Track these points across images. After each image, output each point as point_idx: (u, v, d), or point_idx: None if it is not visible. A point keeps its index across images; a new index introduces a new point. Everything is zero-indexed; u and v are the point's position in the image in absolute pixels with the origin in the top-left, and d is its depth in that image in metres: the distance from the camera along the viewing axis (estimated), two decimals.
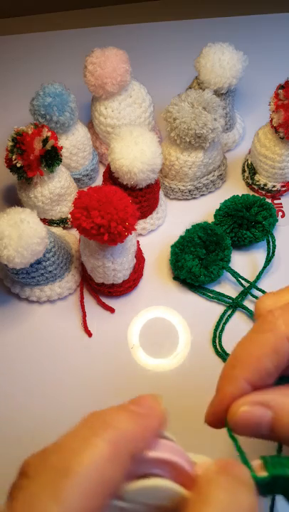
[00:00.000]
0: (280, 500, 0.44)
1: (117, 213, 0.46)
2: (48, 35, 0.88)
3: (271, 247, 0.60)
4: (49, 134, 0.53)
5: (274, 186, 0.65)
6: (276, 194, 0.66)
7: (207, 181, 0.65)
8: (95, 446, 0.20)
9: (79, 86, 0.64)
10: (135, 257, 0.57)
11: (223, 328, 0.57)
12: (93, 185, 0.53)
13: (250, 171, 0.66)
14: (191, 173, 0.62)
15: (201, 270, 0.57)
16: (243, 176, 0.68)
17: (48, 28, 0.89)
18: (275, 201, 0.66)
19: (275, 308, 0.27)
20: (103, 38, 0.85)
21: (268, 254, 0.60)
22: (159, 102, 0.67)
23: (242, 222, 0.60)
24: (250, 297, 0.59)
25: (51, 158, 0.54)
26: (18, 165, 0.53)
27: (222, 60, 0.60)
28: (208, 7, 0.91)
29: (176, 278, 0.60)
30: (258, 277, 0.59)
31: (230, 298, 0.58)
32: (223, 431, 0.26)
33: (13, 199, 0.66)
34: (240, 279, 0.58)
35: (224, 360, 0.55)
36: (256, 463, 0.23)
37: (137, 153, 0.53)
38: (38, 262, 0.54)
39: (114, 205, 0.46)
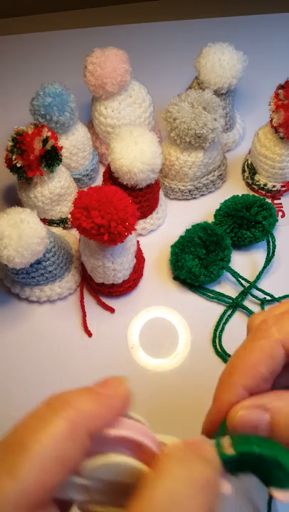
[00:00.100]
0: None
1: (117, 213, 0.46)
2: (48, 35, 0.88)
3: (271, 247, 0.60)
4: (49, 134, 0.53)
5: (274, 186, 0.65)
6: (276, 194, 0.66)
7: (207, 181, 0.65)
8: (53, 424, 0.20)
9: (79, 86, 0.64)
10: (135, 257, 0.57)
11: (223, 328, 0.57)
12: (93, 185, 0.53)
13: (250, 171, 0.66)
14: (191, 173, 0.62)
15: (201, 270, 0.57)
16: (243, 176, 0.68)
17: (48, 28, 0.89)
18: (275, 201, 0.66)
19: (268, 316, 0.28)
20: (103, 38, 0.85)
21: (268, 254, 0.60)
22: (159, 102, 0.67)
23: (242, 222, 0.60)
24: (250, 297, 0.59)
25: (51, 158, 0.54)
26: (18, 165, 0.53)
27: (222, 60, 0.60)
28: (208, 7, 0.91)
29: (176, 278, 0.60)
30: (258, 277, 0.59)
31: (230, 298, 0.58)
32: None
33: (13, 199, 0.66)
34: (240, 279, 0.58)
35: (224, 360, 0.55)
36: (225, 442, 0.23)
37: (137, 153, 0.53)
38: (38, 262, 0.54)
39: (114, 205, 0.46)
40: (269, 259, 0.60)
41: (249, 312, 0.57)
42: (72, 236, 0.62)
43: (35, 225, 0.49)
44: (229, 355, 0.55)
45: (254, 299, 0.59)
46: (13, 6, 0.90)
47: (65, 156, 0.61)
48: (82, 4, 0.92)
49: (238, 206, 0.60)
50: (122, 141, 0.54)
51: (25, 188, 0.58)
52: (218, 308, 0.58)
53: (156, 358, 0.56)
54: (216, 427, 0.26)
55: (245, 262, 0.61)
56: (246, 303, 0.59)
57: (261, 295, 0.59)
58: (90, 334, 0.57)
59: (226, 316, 0.58)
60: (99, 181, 0.69)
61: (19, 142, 0.52)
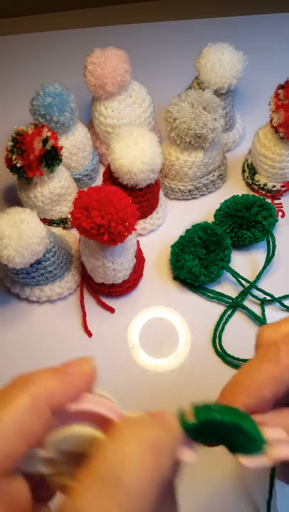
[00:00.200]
0: (277, 494, 0.44)
1: (117, 213, 0.46)
2: (48, 35, 0.88)
3: (271, 247, 0.60)
4: (49, 134, 0.53)
5: (274, 186, 0.65)
6: (276, 194, 0.66)
7: (207, 181, 0.65)
8: (16, 399, 0.22)
9: (79, 86, 0.64)
10: (135, 257, 0.57)
11: (223, 328, 0.57)
12: (93, 185, 0.53)
13: (250, 171, 0.66)
14: (191, 173, 0.62)
15: (201, 270, 0.57)
16: (243, 176, 0.68)
17: (48, 28, 0.89)
18: (275, 201, 0.66)
19: (279, 339, 0.29)
20: (103, 38, 0.85)
21: (268, 254, 0.60)
22: (159, 102, 0.67)
23: (242, 222, 0.60)
24: (250, 297, 0.59)
25: (51, 158, 0.54)
26: (18, 165, 0.53)
27: (222, 60, 0.60)
28: (208, 7, 0.91)
29: (176, 278, 0.60)
30: (258, 277, 0.59)
31: (230, 298, 0.58)
32: None
33: (13, 199, 0.66)
34: (240, 279, 0.58)
35: (224, 360, 0.55)
36: (188, 412, 0.24)
37: (137, 153, 0.53)
38: (38, 262, 0.54)
39: (114, 205, 0.46)
40: (269, 259, 0.60)
41: (249, 312, 0.57)
42: (72, 236, 0.62)
43: (35, 225, 0.49)
44: (229, 355, 0.55)
45: (254, 299, 0.59)
46: (13, 6, 0.90)
47: (65, 156, 0.61)
48: (82, 4, 0.92)
49: (238, 206, 0.60)
50: (122, 141, 0.54)
51: (25, 188, 0.58)
52: (218, 308, 0.58)
53: (156, 358, 0.56)
54: None
55: (245, 262, 0.61)
56: (246, 303, 0.59)
57: (261, 295, 0.59)
58: (90, 334, 0.57)
59: (226, 316, 0.58)
60: (99, 181, 0.69)
61: (19, 142, 0.52)
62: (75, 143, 0.62)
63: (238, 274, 0.58)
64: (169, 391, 0.53)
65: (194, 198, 0.67)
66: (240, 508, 0.47)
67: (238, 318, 0.58)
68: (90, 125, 0.69)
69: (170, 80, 0.77)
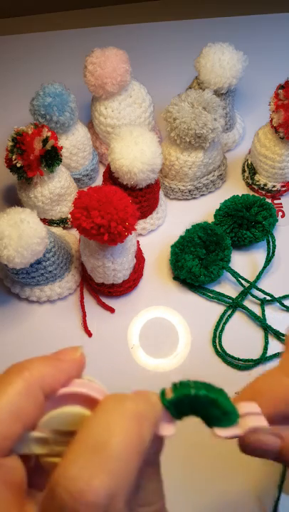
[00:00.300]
0: (283, 502, 0.44)
1: (117, 213, 0.46)
2: (48, 35, 0.88)
3: (271, 247, 0.60)
4: (49, 134, 0.53)
5: (274, 186, 0.65)
6: (276, 194, 0.66)
7: (207, 181, 0.65)
8: (11, 384, 0.24)
9: (79, 86, 0.64)
10: (135, 257, 0.57)
11: (223, 328, 0.57)
12: (93, 185, 0.53)
13: (250, 171, 0.66)
14: (191, 173, 0.62)
15: (201, 270, 0.57)
16: (243, 176, 0.68)
17: (48, 28, 0.89)
18: (275, 201, 0.66)
19: None
20: (103, 38, 0.85)
21: (268, 254, 0.60)
22: (159, 102, 0.67)
23: (242, 222, 0.60)
24: (250, 297, 0.59)
25: (51, 158, 0.54)
26: (18, 165, 0.53)
27: (222, 60, 0.60)
28: (208, 7, 0.91)
29: (176, 278, 0.60)
30: (258, 277, 0.59)
31: (230, 298, 0.58)
32: None
33: (13, 199, 0.66)
34: (240, 279, 0.58)
35: (224, 360, 0.55)
36: (168, 390, 0.26)
37: (137, 153, 0.53)
38: (38, 262, 0.54)
39: (114, 205, 0.46)
40: (269, 259, 0.60)
41: (249, 312, 0.57)
42: (72, 236, 0.62)
43: (35, 225, 0.49)
44: (229, 355, 0.55)
45: (254, 299, 0.59)
46: (13, 6, 0.90)
47: (65, 156, 0.61)
48: (82, 4, 0.92)
49: (238, 206, 0.60)
50: (122, 141, 0.54)
51: (25, 188, 0.58)
52: (218, 308, 0.58)
53: (156, 358, 0.56)
54: None
55: (245, 262, 0.61)
56: (246, 303, 0.59)
57: (261, 295, 0.59)
58: (90, 334, 0.57)
59: (226, 316, 0.58)
60: (99, 181, 0.69)
61: (19, 142, 0.52)
62: (75, 143, 0.62)
63: (238, 274, 0.58)
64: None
65: (194, 198, 0.67)
66: None
67: (238, 318, 0.58)
68: (90, 125, 0.69)
69: (170, 79, 0.77)
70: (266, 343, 0.56)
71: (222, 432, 0.25)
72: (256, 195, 0.64)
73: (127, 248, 0.53)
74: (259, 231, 0.60)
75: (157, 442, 0.25)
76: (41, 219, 0.59)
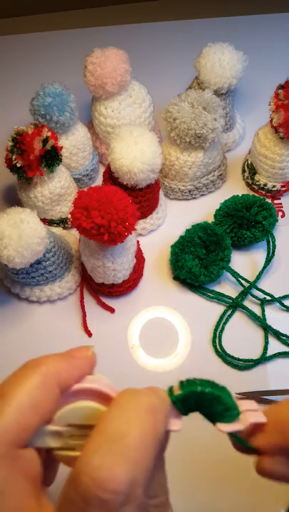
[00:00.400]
0: None
1: (117, 213, 0.46)
2: (48, 35, 0.88)
3: (271, 247, 0.60)
4: (49, 134, 0.53)
5: (274, 186, 0.65)
6: (276, 194, 0.66)
7: (207, 181, 0.65)
8: (28, 378, 0.25)
9: (79, 86, 0.64)
10: (135, 257, 0.57)
11: (223, 328, 0.57)
12: (93, 185, 0.53)
13: (250, 171, 0.66)
14: (191, 173, 0.62)
15: (201, 270, 0.57)
16: (243, 176, 0.68)
17: (48, 28, 0.89)
18: (275, 201, 0.66)
19: None
20: (103, 38, 0.85)
21: (268, 254, 0.60)
22: (159, 102, 0.67)
23: (242, 222, 0.60)
24: (250, 297, 0.59)
25: (51, 158, 0.54)
26: (18, 165, 0.53)
27: (222, 60, 0.60)
28: (208, 7, 0.91)
29: (176, 278, 0.60)
30: (258, 277, 0.59)
31: (230, 298, 0.58)
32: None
33: (13, 199, 0.66)
34: (240, 279, 0.58)
35: (224, 360, 0.55)
36: (175, 387, 0.27)
37: (137, 153, 0.53)
38: (38, 262, 0.54)
39: (114, 205, 0.46)
40: (269, 259, 0.60)
41: (249, 312, 0.57)
42: (72, 236, 0.62)
43: (35, 225, 0.49)
44: (229, 355, 0.55)
45: (254, 299, 0.59)
46: (13, 6, 0.90)
47: (65, 156, 0.61)
48: (82, 4, 0.92)
49: (238, 206, 0.60)
50: (122, 141, 0.54)
51: (25, 188, 0.58)
52: (218, 308, 0.58)
53: (156, 358, 0.56)
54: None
55: (245, 262, 0.61)
56: (246, 303, 0.58)
57: (261, 295, 0.59)
58: (90, 334, 0.57)
59: (226, 316, 0.58)
60: (99, 181, 0.69)
61: (19, 142, 0.52)
62: (75, 143, 0.62)
63: (238, 274, 0.58)
64: None
65: (194, 198, 0.67)
66: None
67: (238, 318, 0.58)
68: (90, 125, 0.69)
69: (170, 80, 0.77)
70: (266, 343, 0.56)
71: (224, 426, 0.27)
72: (256, 195, 0.64)
73: (127, 248, 0.53)
74: (259, 231, 0.60)
75: (163, 437, 0.26)
76: (41, 219, 0.59)
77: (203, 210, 0.65)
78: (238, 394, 0.52)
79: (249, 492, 0.47)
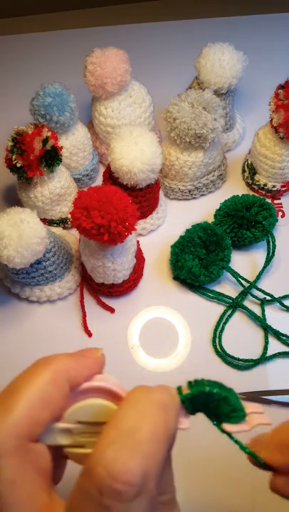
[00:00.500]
0: None
1: (117, 213, 0.46)
2: (48, 35, 0.88)
3: (271, 247, 0.60)
4: (49, 134, 0.53)
5: (274, 186, 0.65)
6: (276, 194, 0.66)
7: (207, 181, 0.65)
8: (39, 374, 0.26)
9: (79, 86, 0.64)
10: (135, 257, 0.57)
11: (223, 328, 0.57)
12: (93, 185, 0.53)
13: (250, 171, 0.66)
14: (191, 173, 0.62)
15: (201, 270, 0.57)
16: (243, 176, 0.68)
17: (48, 28, 0.89)
18: (275, 201, 0.66)
19: None
20: (103, 38, 0.85)
21: (268, 254, 0.60)
22: (159, 102, 0.67)
23: (242, 222, 0.60)
24: (250, 297, 0.59)
25: (51, 158, 0.54)
26: (18, 165, 0.53)
27: (222, 60, 0.60)
28: (208, 7, 0.91)
29: (176, 278, 0.60)
30: (258, 277, 0.59)
31: (230, 298, 0.58)
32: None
33: (13, 199, 0.66)
34: (240, 279, 0.58)
35: (224, 360, 0.55)
36: (184, 386, 0.28)
37: (137, 153, 0.53)
38: (38, 262, 0.54)
39: (114, 205, 0.46)
40: (269, 259, 0.60)
41: (249, 312, 0.57)
42: (72, 236, 0.62)
43: (35, 225, 0.49)
44: (229, 355, 0.55)
45: (254, 299, 0.59)
46: (13, 6, 0.90)
47: (65, 156, 0.61)
48: (82, 4, 0.92)
49: (238, 206, 0.60)
50: (122, 141, 0.54)
51: (25, 188, 0.58)
52: (218, 308, 0.58)
53: (156, 358, 0.56)
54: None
55: (245, 262, 0.61)
56: (246, 303, 0.58)
57: (261, 295, 0.59)
58: (90, 334, 0.57)
59: (226, 316, 0.58)
60: (99, 181, 0.69)
61: (19, 142, 0.52)
62: (75, 143, 0.62)
63: (238, 274, 0.58)
64: None
65: (194, 198, 0.67)
66: None
67: (238, 318, 0.58)
68: (90, 125, 0.69)
69: (170, 79, 0.77)
70: (266, 343, 0.56)
71: (231, 427, 0.27)
72: (256, 195, 0.64)
73: (127, 248, 0.53)
74: (259, 231, 0.60)
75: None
76: (41, 219, 0.59)
77: (203, 210, 0.65)
78: (238, 394, 0.52)
79: (249, 492, 0.47)
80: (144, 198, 0.58)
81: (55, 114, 0.58)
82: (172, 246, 0.59)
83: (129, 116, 0.63)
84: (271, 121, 0.58)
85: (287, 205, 0.66)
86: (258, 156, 0.63)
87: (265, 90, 0.64)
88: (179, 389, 0.27)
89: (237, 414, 0.27)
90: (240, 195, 0.62)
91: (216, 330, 0.57)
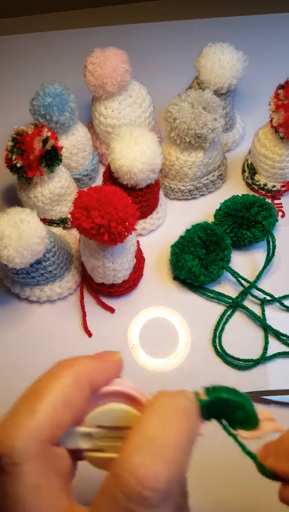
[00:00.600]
0: None
1: (117, 213, 0.46)
2: (48, 35, 0.88)
3: (271, 247, 0.60)
4: (49, 134, 0.53)
5: (274, 186, 0.65)
6: (276, 194, 0.66)
7: (207, 181, 0.65)
8: (61, 377, 0.26)
9: (79, 86, 0.64)
10: (135, 257, 0.57)
11: (223, 328, 0.57)
12: (93, 185, 0.53)
13: (250, 171, 0.66)
14: (191, 173, 0.62)
15: (201, 270, 0.57)
16: (243, 176, 0.68)
17: (48, 28, 0.89)
18: (275, 201, 0.66)
19: None
20: (103, 38, 0.85)
21: (268, 254, 0.60)
22: (159, 102, 0.67)
23: (242, 222, 0.60)
24: (250, 297, 0.59)
25: (51, 158, 0.54)
26: (18, 165, 0.53)
27: (222, 60, 0.60)
28: (208, 7, 0.91)
29: (176, 278, 0.60)
30: (258, 277, 0.59)
31: (230, 298, 0.58)
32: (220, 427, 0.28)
33: (13, 199, 0.66)
34: (240, 279, 0.58)
35: (224, 360, 0.55)
36: (201, 392, 0.28)
37: (137, 153, 0.53)
38: (38, 262, 0.54)
39: (114, 205, 0.46)
40: (269, 259, 0.60)
41: (249, 312, 0.57)
42: (72, 236, 0.62)
43: (35, 225, 0.49)
44: (229, 355, 0.55)
45: (254, 299, 0.59)
46: (13, 6, 0.90)
47: (65, 156, 0.61)
48: (82, 4, 0.92)
49: (238, 206, 0.60)
50: (122, 141, 0.54)
51: (25, 188, 0.58)
52: (218, 308, 0.58)
53: (156, 358, 0.56)
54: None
55: (245, 262, 0.61)
56: (246, 303, 0.58)
57: (261, 295, 0.59)
58: (90, 334, 0.57)
59: (226, 316, 0.58)
60: (99, 181, 0.69)
61: (19, 142, 0.52)
62: (75, 143, 0.62)
63: (238, 274, 0.58)
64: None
65: (194, 198, 0.67)
66: None
67: (238, 318, 0.58)
68: (90, 125, 0.69)
69: (170, 80, 0.77)
70: (266, 343, 0.56)
71: (246, 434, 0.28)
72: (256, 195, 0.64)
73: (127, 248, 0.53)
74: (259, 231, 0.60)
75: None
76: (41, 219, 0.59)
77: (203, 210, 0.65)
78: None
79: (249, 493, 0.47)
80: (144, 198, 0.58)
81: (55, 114, 0.58)
82: (172, 246, 0.59)
83: (129, 116, 0.63)
84: (271, 121, 0.58)
85: (287, 205, 0.66)
86: (258, 156, 0.63)
87: (265, 90, 0.64)
88: (196, 393, 0.28)
89: (251, 422, 0.28)
90: (240, 195, 0.62)
91: (216, 330, 0.57)
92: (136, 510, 0.22)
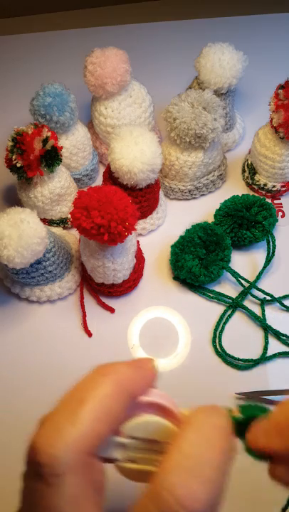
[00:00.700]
0: None
1: (117, 213, 0.46)
2: (48, 35, 0.88)
3: (271, 247, 0.60)
4: (49, 134, 0.53)
5: (274, 186, 0.65)
6: (276, 194, 0.66)
7: (207, 181, 0.65)
8: (103, 385, 0.25)
9: (79, 86, 0.64)
10: (135, 257, 0.57)
11: (223, 328, 0.57)
12: (93, 185, 0.53)
13: (250, 171, 0.66)
14: (191, 173, 0.62)
15: (201, 270, 0.57)
16: (243, 176, 0.68)
17: (48, 28, 0.89)
18: (275, 201, 0.66)
19: None
20: (103, 38, 0.85)
21: (268, 254, 0.60)
22: (159, 102, 0.67)
23: (242, 222, 0.60)
24: (250, 297, 0.59)
25: (51, 158, 0.54)
26: (18, 165, 0.53)
27: (222, 60, 0.60)
28: (208, 7, 0.91)
29: (176, 278, 0.60)
30: (258, 277, 0.59)
31: (230, 298, 0.58)
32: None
33: (13, 199, 0.66)
34: (240, 279, 0.58)
35: (224, 360, 0.55)
36: (234, 409, 0.28)
37: (137, 153, 0.53)
38: (38, 262, 0.54)
39: (114, 205, 0.46)
40: (269, 259, 0.60)
41: (249, 312, 0.57)
42: (72, 236, 0.62)
43: (35, 225, 0.49)
44: (229, 355, 0.55)
45: (254, 299, 0.59)
46: (13, 6, 0.90)
47: (65, 156, 0.61)
48: (82, 4, 0.92)
49: (238, 206, 0.60)
50: (122, 141, 0.54)
51: (25, 188, 0.58)
52: (218, 308, 0.58)
53: (156, 358, 0.56)
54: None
55: (245, 262, 0.61)
56: (246, 303, 0.59)
57: (261, 295, 0.59)
58: (90, 334, 0.57)
59: (226, 316, 0.58)
60: (99, 181, 0.69)
61: (19, 142, 0.52)
62: (75, 143, 0.62)
63: (238, 274, 0.58)
64: (169, 391, 0.53)
65: (194, 198, 0.67)
66: None
67: (238, 318, 0.58)
68: (90, 125, 0.69)
69: (170, 80, 0.77)
70: (266, 343, 0.56)
71: None
72: (256, 195, 0.64)
73: (127, 248, 0.53)
74: (259, 231, 0.60)
75: None
76: (41, 219, 0.59)
77: (203, 210, 0.65)
78: (238, 394, 0.52)
79: (248, 493, 0.47)
80: (144, 198, 0.58)
81: (55, 114, 0.58)
82: (172, 246, 0.59)
83: (129, 116, 0.63)
84: (271, 121, 0.58)
85: (287, 205, 0.66)
86: (258, 156, 0.63)
87: (265, 90, 0.64)
88: (229, 409, 0.27)
89: None
90: (240, 195, 0.62)
91: (216, 330, 0.57)
92: None
